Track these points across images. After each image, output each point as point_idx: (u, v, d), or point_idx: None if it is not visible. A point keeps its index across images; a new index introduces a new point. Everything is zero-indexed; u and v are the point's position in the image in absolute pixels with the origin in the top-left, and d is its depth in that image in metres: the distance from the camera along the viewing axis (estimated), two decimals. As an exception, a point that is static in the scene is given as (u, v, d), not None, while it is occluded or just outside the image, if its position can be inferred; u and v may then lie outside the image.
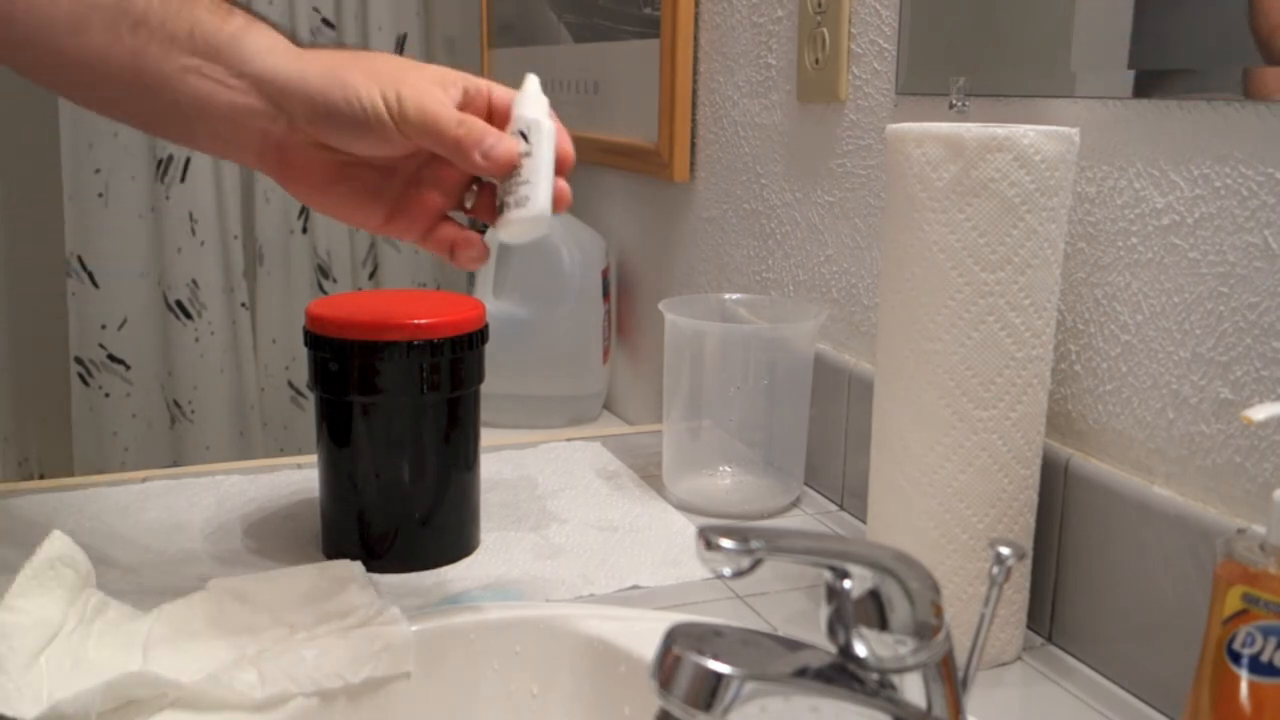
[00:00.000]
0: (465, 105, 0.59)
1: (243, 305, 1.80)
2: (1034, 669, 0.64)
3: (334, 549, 0.73)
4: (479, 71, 1.78)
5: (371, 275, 1.92)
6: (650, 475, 0.91)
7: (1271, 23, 0.54)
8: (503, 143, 0.57)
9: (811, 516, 0.86)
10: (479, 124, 0.57)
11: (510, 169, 0.57)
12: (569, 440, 0.99)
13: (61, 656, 0.57)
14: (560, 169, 0.58)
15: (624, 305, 1.37)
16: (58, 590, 0.60)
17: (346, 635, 0.60)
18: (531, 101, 0.59)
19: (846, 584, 0.41)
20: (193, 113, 0.59)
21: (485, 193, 0.63)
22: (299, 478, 0.88)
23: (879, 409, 0.66)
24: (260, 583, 0.66)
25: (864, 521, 0.77)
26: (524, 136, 0.57)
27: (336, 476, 0.73)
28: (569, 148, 0.60)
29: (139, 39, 0.58)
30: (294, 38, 0.61)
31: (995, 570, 0.46)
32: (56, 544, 0.62)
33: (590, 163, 1.40)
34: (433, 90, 0.58)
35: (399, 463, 0.71)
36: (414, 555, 0.73)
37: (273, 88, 0.58)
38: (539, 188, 0.56)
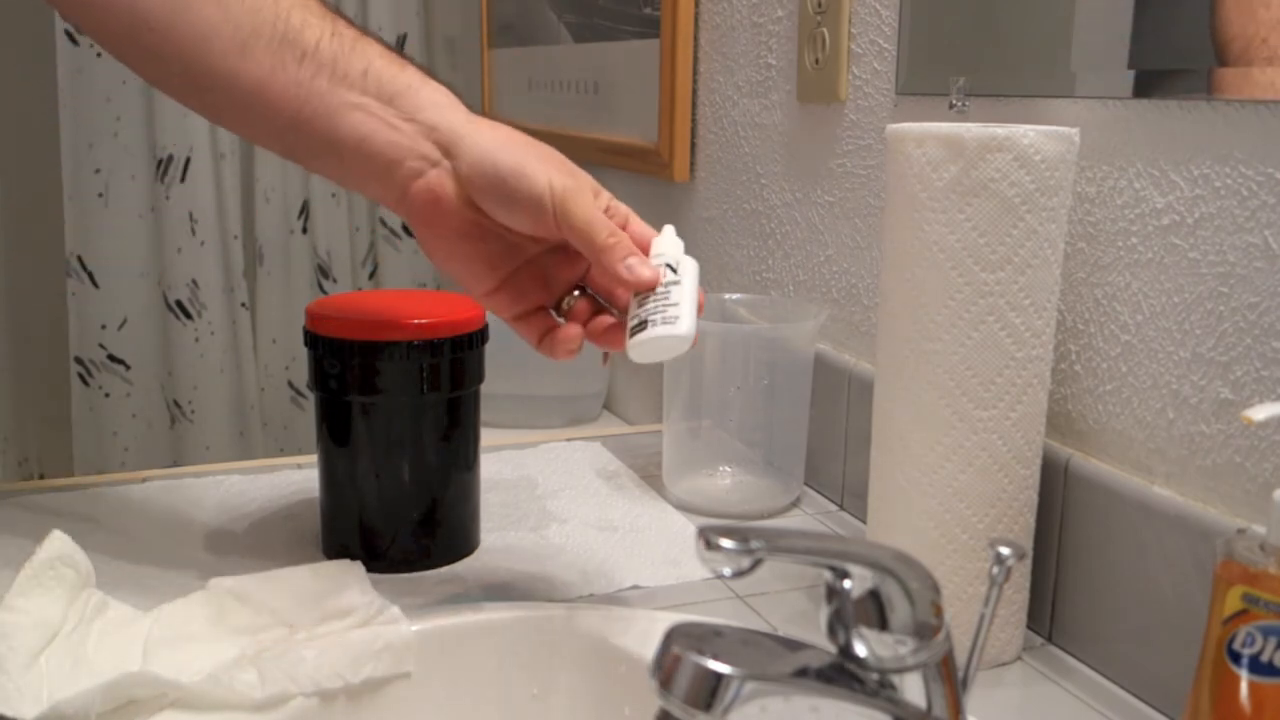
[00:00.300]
0: (608, 216, 0.63)
1: (243, 305, 1.80)
2: (1034, 669, 0.64)
3: (334, 549, 0.73)
4: (479, 71, 1.78)
5: (371, 275, 1.92)
6: (650, 475, 0.91)
7: (1230, 32, 0.55)
8: (648, 265, 0.61)
9: (811, 516, 0.86)
10: (627, 240, 0.62)
11: (648, 288, 0.61)
12: (569, 440, 0.99)
13: (61, 656, 0.57)
14: (698, 308, 0.62)
15: (624, 305, 1.37)
16: (58, 590, 0.60)
17: (346, 635, 0.60)
18: (672, 242, 0.64)
19: (846, 584, 0.41)
20: (349, 147, 0.61)
21: (584, 302, 0.66)
22: (299, 478, 0.88)
23: (879, 409, 0.66)
24: (260, 583, 0.66)
25: (864, 521, 0.77)
26: (671, 269, 0.62)
27: (336, 476, 0.73)
28: (702, 296, 0.64)
29: (306, 71, 0.60)
30: (465, 101, 0.64)
31: (995, 570, 0.46)
32: (56, 544, 0.62)
33: (590, 163, 1.40)
34: (588, 194, 0.62)
35: (399, 463, 0.71)
36: (414, 555, 0.73)
37: (445, 137, 0.61)
38: (686, 310, 0.60)
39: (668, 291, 0.61)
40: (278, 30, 0.60)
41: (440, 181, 0.61)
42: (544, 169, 0.60)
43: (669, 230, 0.66)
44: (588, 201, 0.61)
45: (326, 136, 0.61)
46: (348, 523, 0.73)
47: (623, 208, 0.64)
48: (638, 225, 0.65)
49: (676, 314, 0.60)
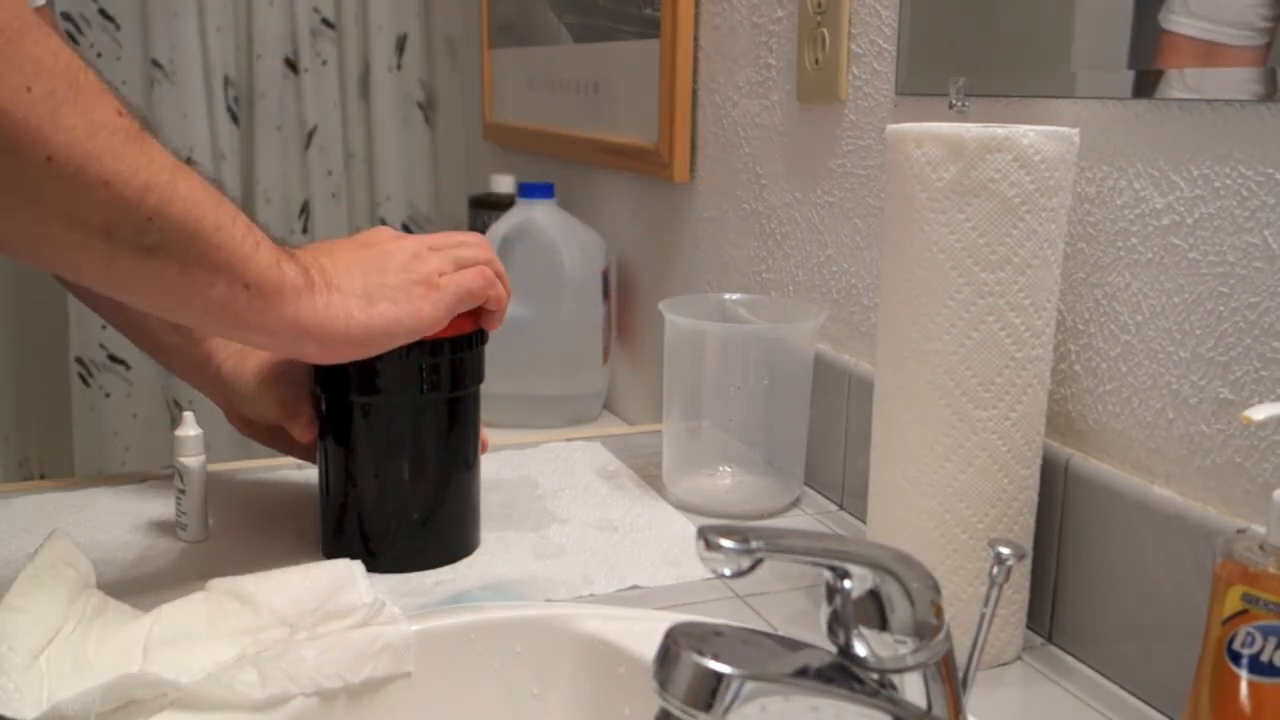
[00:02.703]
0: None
1: (243, 305, 1.79)
2: (1034, 669, 0.64)
3: (334, 549, 0.73)
4: (479, 71, 1.78)
5: (371, 275, 1.92)
6: (650, 475, 0.91)
7: None
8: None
9: (811, 516, 0.86)
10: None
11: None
12: (569, 440, 0.99)
13: (61, 657, 0.57)
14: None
15: (624, 305, 1.37)
16: (58, 590, 0.60)
17: (347, 635, 0.60)
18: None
19: (846, 584, 0.41)
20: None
21: None
22: (299, 478, 0.88)
23: (879, 409, 0.66)
24: (260, 583, 0.66)
25: (864, 521, 0.77)
26: None
27: (336, 476, 0.73)
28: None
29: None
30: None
31: (995, 570, 0.46)
32: (57, 544, 0.62)
33: (590, 163, 1.40)
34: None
35: (399, 463, 0.71)
36: (414, 555, 0.73)
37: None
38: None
39: None
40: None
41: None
42: (273, 411, 0.75)
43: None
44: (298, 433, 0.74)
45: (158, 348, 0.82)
46: (348, 523, 0.73)
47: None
48: None
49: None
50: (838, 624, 0.42)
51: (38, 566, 0.60)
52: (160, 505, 0.82)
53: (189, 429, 0.77)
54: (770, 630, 0.66)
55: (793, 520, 0.85)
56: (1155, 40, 0.60)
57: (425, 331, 0.68)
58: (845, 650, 0.42)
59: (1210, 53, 0.57)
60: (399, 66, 1.88)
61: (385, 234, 0.71)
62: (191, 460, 0.76)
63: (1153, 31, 0.60)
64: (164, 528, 0.78)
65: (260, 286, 0.59)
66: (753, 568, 0.37)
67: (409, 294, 0.67)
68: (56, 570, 0.61)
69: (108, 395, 1.76)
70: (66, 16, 1.68)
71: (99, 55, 1.69)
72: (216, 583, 0.65)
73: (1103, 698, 0.61)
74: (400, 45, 1.87)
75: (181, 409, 1.76)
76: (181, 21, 1.71)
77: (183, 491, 0.76)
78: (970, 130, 0.58)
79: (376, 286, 0.66)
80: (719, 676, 0.38)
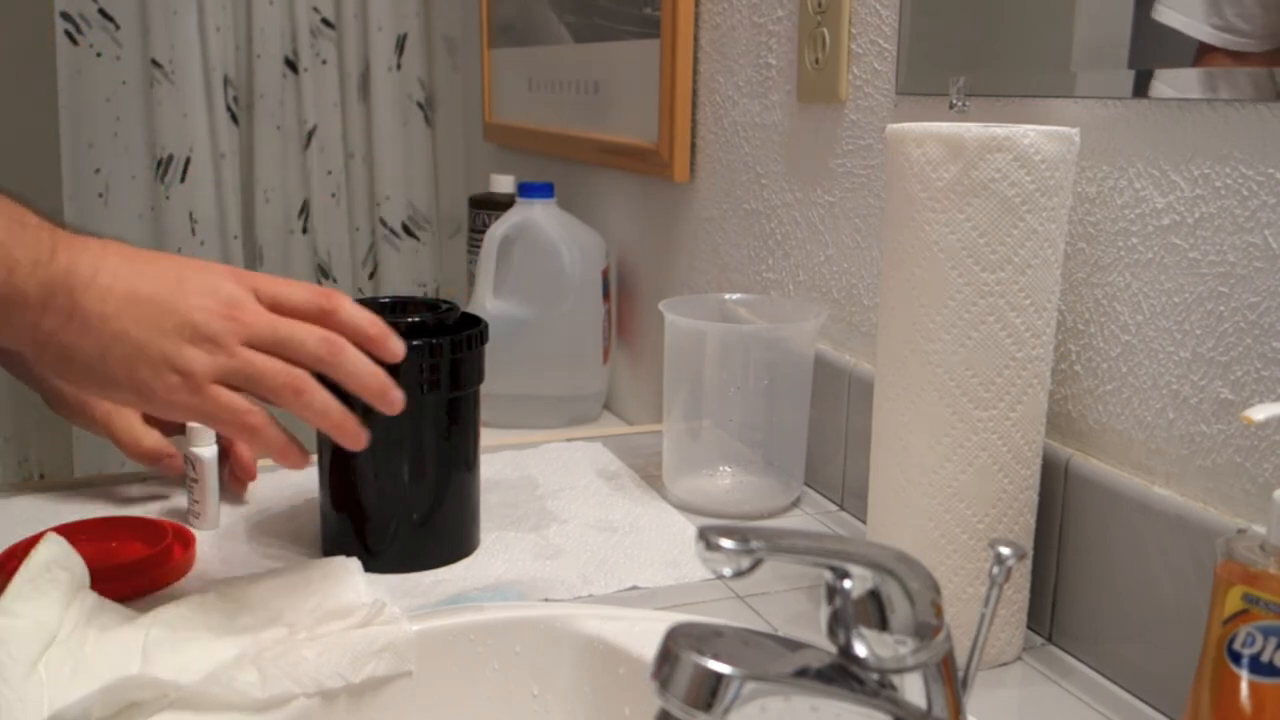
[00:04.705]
0: None
1: (243, 305, 1.80)
2: (1034, 669, 0.64)
3: (334, 548, 0.73)
4: (479, 71, 1.78)
5: (371, 275, 1.92)
6: (650, 475, 0.91)
7: None
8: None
9: (811, 516, 0.86)
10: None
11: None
12: (569, 440, 0.99)
13: (60, 662, 0.57)
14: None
15: (624, 305, 1.37)
16: (53, 594, 0.60)
17: (347, 635, 0.60)
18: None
19: (846, 584, 0.41)
20: None
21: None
22: (299, 478, 0.88)
23: (879, 409, 0.66)
24: (260, 583, 0.66)
25: (864, 521, 0.77)
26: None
27: (336, 476, 0.73)
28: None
29: None
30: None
31: (995, 570, 0.46)
32: (51, 547, 0.62)
33: (590, 163, 1.40)
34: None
35: (399, 463, 0.71)
36: (414, 555, 0.73)
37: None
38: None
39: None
40: None
41: None
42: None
43: None
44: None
45: None
46: (347, 522, 0.73)
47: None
48: None
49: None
50: (838, 624, 0.42)
51: (33, 570, 0.60)
52: (160, 505, 0.82)
53: None
54: (770, 630, 0.66)
55: (793, 520, 0.85)
56: (1155, 39, 0.60)
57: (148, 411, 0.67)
58: (845, 650, 0.42)
59: (1211, 51, 0.57)
60: (399, 66, 1.88)
61: (213, 276, 0.61)
62: (204, 450, 0.77)
63: (1153, 30, 0.60)
64: (164, 528, 0.78)
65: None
66: (753, 568, 0.37)
67: (157, 375, 0.58)
68: (51, 573, 0.60)
69: (108, 395, 1.76)
70: (66, 16, 1.68)
71: (99, 55, 1.68)
72: (216, 583, 0.65)
73: (1103, 698, 0.61)
74: (400, 45, 1.87)
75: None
76: (181, 21, 1.71)
77: (195, 481, 0.77)
78: (970, 130, 0.58)
79: (131, 342, 0.57)
80: (719, 677, 0.38)
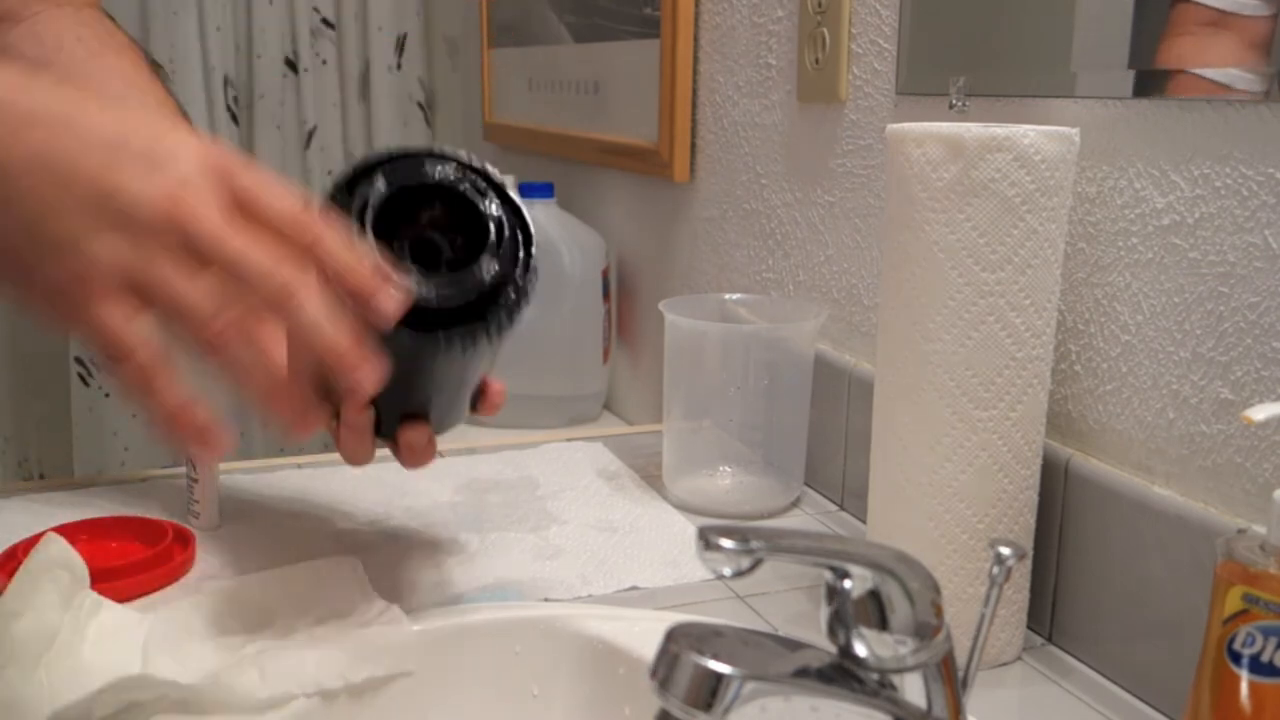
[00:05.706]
0: None
1: (243, 305, 1.79)
2: (1034, 669, 0.64)
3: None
4: (479, 71, 1.78)
5: (371, 275, 1.92)
6: (650, 475, 0.91)
7: None
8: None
9: (811, 516, 0.86)
10: None
11: None
12: (569, 440, 0.99)
13: (60, 663, 0.57)
14: None
15: (624, 305, 1.37)
16: (53, 594, 0.60)
17: (347, 635, 0.60)
18: None
19: (846, 584, 0.41)
20: None
21: None
22: (299, 478, 0.88)
23: (879, 409, 0.66)
24: (260, 583, 0.66)
25: (864, 521, 0.77)
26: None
27: None
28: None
29: None
30: None
31: (995, 570, 0.46)
32: (51, 547, 0.62)
33: (590, 163, 1.40)
34: None
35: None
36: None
37: None
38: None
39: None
40: None
41: None
42: None
43: None
44: None
45: None
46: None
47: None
48: None
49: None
50: (838, 624, 0.42)
51: (32, 570, 0.60)
52: (160, 506, 0.82)
53: None
54: (770, 630, 0.66)
55: (793, 520, 0.85)
56: (1156, 35, 0.60)
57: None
58: (845, 650, 0.42)
59: (1217, 37, 0.57)
60: (399, 66, 1.88)
61: (172, 141, 0.45)
62: None
63: (1154, 31, 0.60)
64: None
65: None
66: (753, 568, 0.37)
67: (42, 259, 0.44)
68: (51, 574, 0.60)
69: (107, 395, 1.76)
70: (66, 16, 1.68)
71: (99, 55, 1.68)
72: (216, 583, 0.65)
73: (1103, 698, 0.61)
74: (400, 45, 1.87)
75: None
76: (181, 21, 1.71)
77: (195, 480, 0.77)
78: (970, 130, 0.58)
79: (26, 208, 0.43)
80: (719, 676, 0.38)
